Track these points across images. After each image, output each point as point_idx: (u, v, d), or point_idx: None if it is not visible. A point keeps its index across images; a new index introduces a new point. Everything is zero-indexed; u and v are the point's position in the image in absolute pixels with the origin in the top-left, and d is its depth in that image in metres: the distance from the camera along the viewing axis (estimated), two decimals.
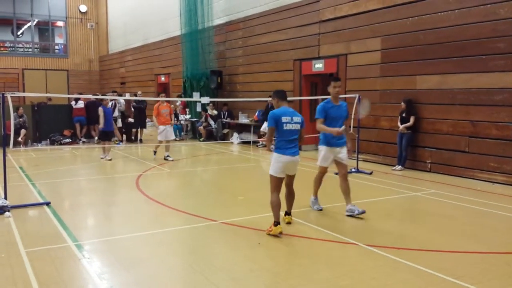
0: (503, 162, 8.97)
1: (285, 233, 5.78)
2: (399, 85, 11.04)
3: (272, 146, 6.07)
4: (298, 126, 5.83)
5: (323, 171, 6.95)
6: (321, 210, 6.94)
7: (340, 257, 4.99)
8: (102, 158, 12.33)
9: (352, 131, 10.94)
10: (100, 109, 12.24)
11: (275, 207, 5.75)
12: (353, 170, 10.39)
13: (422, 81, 10.49)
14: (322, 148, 6.76)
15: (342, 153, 6.71)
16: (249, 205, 7.34)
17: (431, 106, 10.34)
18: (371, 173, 10.17)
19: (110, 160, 12.12)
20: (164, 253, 5.19)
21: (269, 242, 5.48)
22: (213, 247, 5.35)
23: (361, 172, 10.29)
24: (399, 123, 10.70)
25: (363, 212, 6.53)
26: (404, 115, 10.59)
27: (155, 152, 12.57)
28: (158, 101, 12.51)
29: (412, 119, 10.42)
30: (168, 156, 12.29)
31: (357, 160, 10.73)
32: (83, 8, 31.22)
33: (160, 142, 12.34)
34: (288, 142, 5.80)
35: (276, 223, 5.68)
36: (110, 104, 13.15)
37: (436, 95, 10.21)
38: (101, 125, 12.18)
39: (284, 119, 5.74)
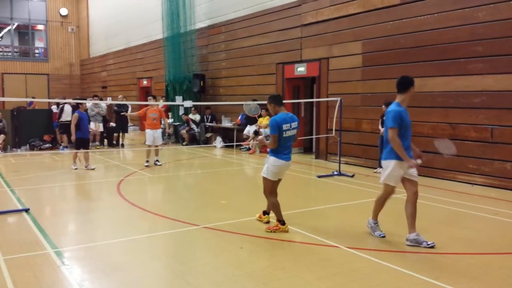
0: (481, 164, 9.12)
1: (267, 236, 5.80)
2: (380, 88, 11.15)
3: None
4: (295, 131, 5.97)
5: (390, 191, 5.73)
6: (384, 237, 5.81)
7: (322, 260, 5.00)
8: (74, 168, 11.28)
9: (334, 134, 11.06)
10: (75, 115, 11.18)
11: (277, 207, 5.98)
12: (335, 173, 10.47)
13: None
14: (391, 163, 5.49)
15: (406, 168, 5.53)
16: (232, 209, 7.32)
17: (411, 109, 10.29)
18: (353, 176, 10.24)
19: (93, 169, 11.35)
20: (145, 258, 5.14)
21: (251, 246, 5.48)
22: (195, 252, 5.32)
23: (343, 175, 10.35)
24: (380, 126, 10.79)
25: (432, 246, 5.33)
26: (385, 118, 10.66)
27: (147, 160, 11.94)
28: (147, 105, 12.25)
29: None
30: (157, 161, 12.14)
31: (339, 163, 10.80)
32: (64, 11, 30.90)
33: (149, 146, 12.00)
34: (285, 148, 5.92)
35: (282, 221, 5.95)
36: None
37: (416, 98, 10.27)
38: (72, 133, 11.10)
39: (284, 126, 5.80)
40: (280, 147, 5.86)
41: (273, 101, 6.01)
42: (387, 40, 10.90)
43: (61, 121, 15.01)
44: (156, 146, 12.15)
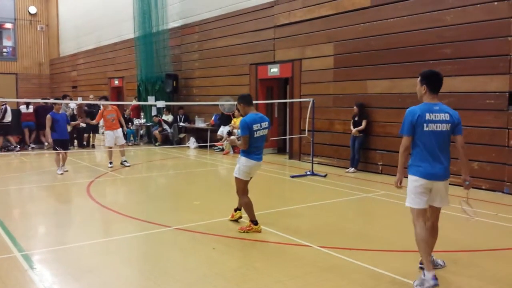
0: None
1: (239, 237, 5.80)
2: (351, 89, 11.29)
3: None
4: (266, 131, 5.99)
5: (420, 215, 4.31)
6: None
7: (294, 260, 5.03)
8: (60, 173, 10.69)
9: (307, 134, 11.14)
10: (48, 117, 10.50)
11: (250, 207, 5.98)
12: (308, 173, 10.55)
13: (373, 85, 10.78)
14: (416, 182, 4.29)
15: (443, 191, 4.34)
16: (205, 210, 7.29)
17: (382, 110, 10.64)
18: (325, 176, 10.34)
19: (67, 171, 10.97)
20: (115, 261, 5.07)
21: (223, 247, 5.46)
22: (166, 254, 5.27)
23: (316, 174, 10.44)
24: (351, 127, 10.94)
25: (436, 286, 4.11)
26: (356, 118, 10.84)
27: (111, 162, 11.75)
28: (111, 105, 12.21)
29: (364, 123, 10.69)
30: (125, 161, 12.00)
31: (312, 163, 10.88)
32: (33, 9, 30.15)
33: (109, 148, 11.82)
34: (256, 148, 5.94)
35: (255, 222, 5.95)
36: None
37: (386, 99, 10.52)
38: (48, 137, 10.66)
39: (255, 127, 5.81)
40: (251, 148, 5.87)
41: (243, 101, 6.03)
42: (358, 42, 11.05)
43: (2, 123, 14.71)
44: (121, 146, 12.00)
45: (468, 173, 4.50)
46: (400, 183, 4.46)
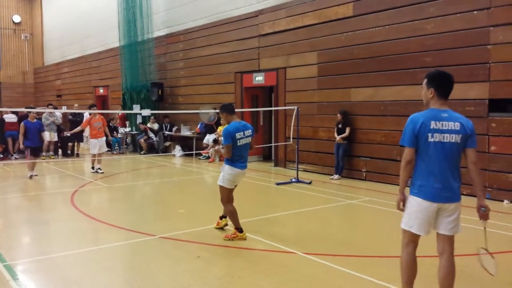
0: None
1: (225, 245, 5.82)
2: (335, 97, 11.42)
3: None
4: (249, 139, 6.03)
5: (412, 241, 3.79)
6: None
7: (279, 267, 5.06)
8: (33, 175, 11.34)
9: (292, 142, 11.22)
10: (22, 125, 11.23)
11: (235, 215, 6.01)
12: (293, 180, 10.62)
13: (356, 93, 10.92)
14: (415, 203, 3.69)
15: (452, 216, 3.67)
16: (190, 218, 7.29)
17: (365, 117, 10.78)
18: (310, 183, 10.41)
19: (36, 175, 11.44)
20: (99, 271, 5.04)
21: (208, 255, 5.47)
22: (150, 263, 5.26)
23: (301, 182, 10.50)
24: (335, 134, 11.05)
25: None
26: (340, 126, 10.95)
27: (93, 167, 12.35)
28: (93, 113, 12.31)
29: (347, 130, 10.81)
30: (99, 168, 12.17)
31: (297, 170, 10.95)
32: (17, 18, 29.91)
33: (94, 155, 12.26)
34: (240, 156, 5.98)
35: (240, 229, 5.99)
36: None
37: (369, 107, 10.66)
38: (21, 143, 11.22)
39: (237, 135, 5.86)
40: (235, 156, 5.92)
41: (225, 110, 6.10)
42: (341, 51, 11.20)
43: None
44: (100, 154, 12.28)
45: (484, 196, 3.72)
46: (403, 205, 3.75)
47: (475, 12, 8.76)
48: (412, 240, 3.76)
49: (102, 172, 12.07)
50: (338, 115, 10.98)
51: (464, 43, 8.95)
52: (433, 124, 3.59)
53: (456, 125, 3.60)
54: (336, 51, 11.33)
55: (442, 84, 3.74)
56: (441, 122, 3.59)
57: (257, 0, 13.56)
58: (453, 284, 3.72)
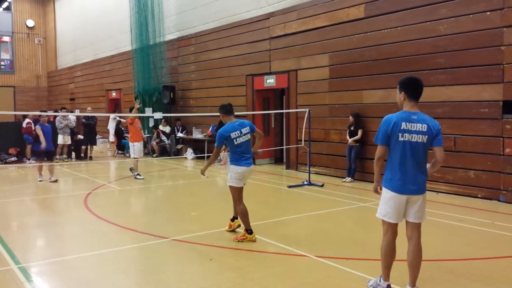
0: (446, 172, 9.38)
1: (237, 247, 5.82)
2: (347, 99, 11.37)
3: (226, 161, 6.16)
4: (248, 136, 6.04)
5: (390, 229, 4.19)
6: None
7: (291, 270, 5.05)
8: (40, 180, 11.27)
9: (304, 144, 11.20)
10: (38, 127, 11.17)
11: (246, 215, 6.01)
12: (305, 183, 10.59)
13: (368, 95, 10.86)
14: (387, 195, 4.16)
15: (418, 206, 4.12)
16: (202, 221, 7.31)
17: (377, 119, 10.66)
18: (322, 185, 10.38)
19: (56, 181, 11.21)
20: (112, 273, 5.08)
21: (220, 258, 5.48)
22: (163, 265, 5.28)
23: (313, 184, 10.47)
24: (347, 136, 11.00)
25: None
26: (352, 128, 10.91)
27: (132, 170, 11.86)
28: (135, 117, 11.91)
29: (360, 132, 10.75)
30: (138, 174, 11.85)
31: (309, 173, 10.92)
32: (31, 23, 30.34)
33: (136, 159, 11.81)
34: (243, 154, 6.00)
35: (250, 231, 5.97)
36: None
37: (381, 109, 10.58)
38: (43, 143, 10.94)
39: (233, 135, 5.88)
40: (237, 155, 5.99)
41: (222, 110, 6.19)
42: (352, 53, 11.16)
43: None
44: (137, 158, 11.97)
45: (426, 172, 4.16)
46: (380, 189, 4.25)
47: (488, 13, 8.67)
48: (391, 228, 4.19)
49: (143, 178, 11.71)
50: (350, 117, 10.94)
51: (477, 44, 8.85)
52: (403, 125, 4.03)
53: (423, 127, 4.04)
54: (347, 53, 11.29)
55: (411, 88, 4.14)
56: (410, 124, 4.03)
57: (268, 2, 13.58)
58: (420, 264, 4.18)
